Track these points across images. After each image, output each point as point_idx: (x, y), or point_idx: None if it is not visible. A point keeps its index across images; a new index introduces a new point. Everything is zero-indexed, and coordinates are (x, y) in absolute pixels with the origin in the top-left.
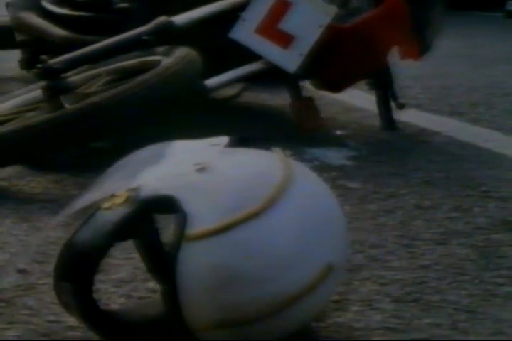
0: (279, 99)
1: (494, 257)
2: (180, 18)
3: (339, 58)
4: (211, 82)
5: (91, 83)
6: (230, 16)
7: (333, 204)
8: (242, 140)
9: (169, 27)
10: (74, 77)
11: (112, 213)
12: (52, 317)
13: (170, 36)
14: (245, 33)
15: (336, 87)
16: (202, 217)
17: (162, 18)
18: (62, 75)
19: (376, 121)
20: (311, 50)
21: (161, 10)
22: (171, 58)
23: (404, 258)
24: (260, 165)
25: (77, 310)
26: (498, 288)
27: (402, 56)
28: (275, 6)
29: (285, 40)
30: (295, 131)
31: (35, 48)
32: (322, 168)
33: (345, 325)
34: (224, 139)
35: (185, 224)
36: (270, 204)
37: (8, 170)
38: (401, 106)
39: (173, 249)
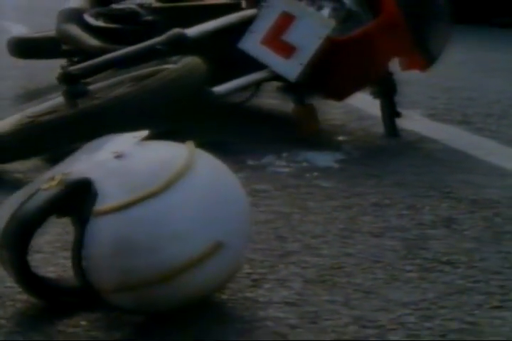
0: (288, 105)
1: (416, 249)
2: (193, 30)
3: (338, 68)
4: (219, 88)
5: (114, 89)
6: (239, 28)
7: (232, 190)
8: (159, 134)
9: (181, 38)
10: (99, 83)
11: (46, 193)
12: (9, 284)
13: (183, 46)
14: (252, 43)
15: (338, 95)
16: (110, 196)
17: (175, 30)
18: (83, 81)
19: (382, 129)
20: (310, 60)
21: (182, 22)
22: (175, 66)
23: (335, 247)
24: (166, 154)
25: (13, 273)
26: (403, 274)
27: (405, 67)
28: (280, 19)
29: (287, 50)
30: (295, 135)
31: (78, 57)
32: (307, 169)
33: (252, 299)
34: (144, 133)
35: (95, 202)
36: (168, 185)
37: (28, 164)
38: (397, 115)
39: (83, 222)
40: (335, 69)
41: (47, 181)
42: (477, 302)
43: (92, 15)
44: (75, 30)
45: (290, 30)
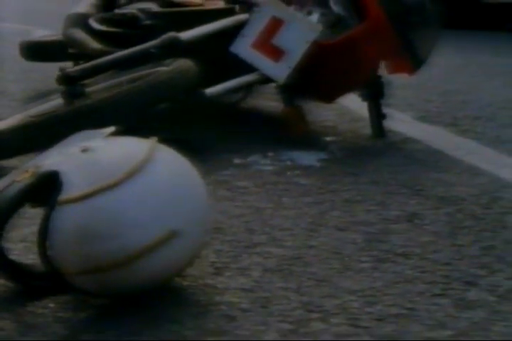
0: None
1: (376, 241)
2: (186, 34)
3: (326, 71)
4: (212, 90)
5: (112, 90)
6: (232, 32)
7: (190, 183)
8: (125, 130)
9: (175, 41)
10: (97, 85)
11: (19, 184)
12: None
13: (177, 49)
14: (243, 47)
15: (326, 97)
16: (74, 187)
17: (169, 34)
18: (81, 82)
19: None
20: (298, 63)
21: (179, 26)
22: (166, 68)
23: (300, 239)
24: (128, 148)
25: None
26: (357, 264)
27: (392, 70)
28: (270, 23)
29: (276, 54)
30: (284, 135)
31: (83, 60)
32: (290, 167)
33: (211, 285)
34: (111, 129)
35: (60, 191)
36: (127, 177)
37: (25, 160)
38: (383, 117)
39: (49, 210)
40: (323, 73)
41: (21, 173)
42: (420, 290)
43: (96, 20)
44: (79, 34)
45: (279, 35)
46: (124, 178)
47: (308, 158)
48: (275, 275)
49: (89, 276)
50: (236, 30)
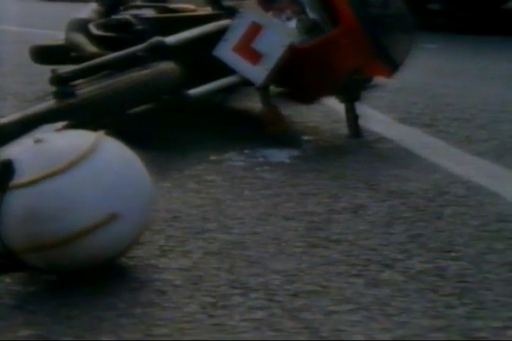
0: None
1: (315, 229)
2: (172, 38)
3: (301, 74)
4: (194, 91)
5: (96, 90)
6: (214, 37)
7: (132, 171)
8: (74, 125)
9: (160, 45)
10: (91, 86)
11: None
12: None
13: (162, 53)
14: (225, 51)
15: (304, 99)
16: (25, 173)
17: (155, 38)
18: (72, 83)
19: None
20: (275, 67)
21: (169, 31)
22: (147, 70)
23: (247, 227)
24: (75, 139)
25: None
26: (291, 249)
27: (369, 73)
28: (250, 28)
29: (255, 57)
30: (262, 134)
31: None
32: (260, 164)
33: (154, 265)
34: (62, 123)
35: (13, 177)
36: (71, 165)
37: None
38: (357, 117)
39: (1, 194)
40: (299, 75)
41: None
42: (339, 271)
43: (95, 25)
44: (78, 38)
45: (258, 39)
46: (69, 165)
47: (280, 156)
48: (213, 257)
49: (36, 254)
50: (219, 34)
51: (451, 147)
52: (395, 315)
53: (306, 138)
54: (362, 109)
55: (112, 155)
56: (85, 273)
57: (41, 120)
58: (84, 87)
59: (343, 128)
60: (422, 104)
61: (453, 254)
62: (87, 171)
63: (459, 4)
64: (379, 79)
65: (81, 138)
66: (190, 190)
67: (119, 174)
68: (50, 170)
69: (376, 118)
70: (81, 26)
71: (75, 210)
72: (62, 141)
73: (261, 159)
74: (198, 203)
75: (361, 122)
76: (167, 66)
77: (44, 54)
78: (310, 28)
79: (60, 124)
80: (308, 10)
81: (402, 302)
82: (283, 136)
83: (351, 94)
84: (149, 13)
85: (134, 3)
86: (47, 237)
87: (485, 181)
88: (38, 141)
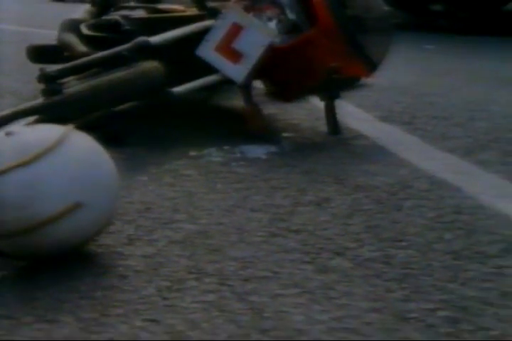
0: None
1: (278, 220)
2: (156, 38)
3: (282, 73)
4: (178, 89)
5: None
6: (198, 37)
7: (97, 163)
8: (44, 119)
9: (145, 45)
10: (76, 85)
11: None
12: None
13: (146, 52)
14: (207, 50)
15: (284, 97)
16: None
17: (140, 38)
18: (59, 81)
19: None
20: (254, 66)
21: (155, 31)
22: (129, 69)
23: (214, 218)
24: (44, 133)
25: None
26: (252, 238)
27: (347, 73)
28: (231, 29)
29: (236, 56)
30: (244, 132)
31: None
32: (237, 159)
33: (120, 252)
34: (33, 118)
35: None
36: (38, 157)
37: None
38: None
39: None
40: (280, 74)
41: None
42: (293, 258)
43: (86, 26)
44: (70, 37)
45: (239, 39)
46: (37, 157)
47: (258, 151)
48: (177, 245)
49: (4, 241)
50: (202, 34)
51: (425, 144)
52: (336, 298)
53: (286, 135)
54: (346, 107)
55: (79, 147)
56: (53, 259)
57: (29, 116)
58: (72, 85)
59: (324, 126)
60: (405, 103)
61: (403, 243)
62: (53, 162)
63: (460, 5)
64: (369, 79)
65: (49, 132)
66: (165, 184)
67: (84, 165)
68: (18, 161)
69: (358, 116)
70: (73, 26)
71: (40, 199)
72: (31, 134)
73: (238, 155)
74: (171, 195)
75: (343, 120)
76: (150, 65)
77: (39, 53)
78: (290, 29)
79: (31, 118)
80: (287, 11)
81: (345, 286)
82: (262, 132)
83: (330, 92)
84: (139, 13)
85: (125, 4)
86: (14, 225)
87: (449, 176)
88: (8, 134)
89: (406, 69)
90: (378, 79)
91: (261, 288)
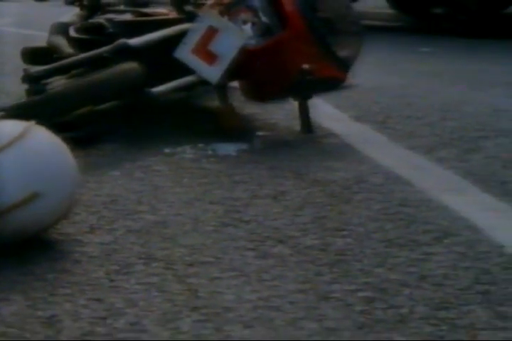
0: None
1: (233, 212)
2: (136, 40)
3: (253, 74)
4: (157, 89)
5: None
6: (176, 39)
7: (58, 156)
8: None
9: (124, 47)
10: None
11: None
12: None
13: (126, 54)
14: (184, 53)
15: (258, 97)
16: None
17: (121, 40)
18: (44, 81)
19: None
20: (228, 67)
21: (136, 34)
22: (107, 70)
23: (174, 210)
24: (7, 128)
25: None
26: (205, 227)
27: (320, 74)
28: (207, 32)
29: (211, 58)
30: (219, 130)
31: None
32: (208, 156)
33: (79, 240)
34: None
35: None
36: (0, 150)
37: None
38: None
39: None
40: (251, 75)
41: None
42: (238, 246)
43: (74, 28)
44: (58, 40)
45: (214, 42)
46: None
47: (229, 149)
48: (134, 234)
49: None
50: (180, 37)
51: (391, 142)
52: (269, 280)
53: (260, 133)
54: (323, 107)
55: (39, 142)
56: (16, 245)
57: (13, 114)
58: (55, 85)
59: (299, 125)
60: (383, 104)
61: (344, 233)
62: (14, 155)
63: (461, 8)
64: (353, 81)
65: (12, 127)
66: (135, 178)
67: (44, 159)
68: None
69: (334, 116)
70: (62, 29)
71: (1, 190)
72: None
73: (210, 152)
74: (138, 189)
75: (318, 120)
76: (128, 65)
77: (33, 55)
78: (264, 31)
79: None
80: (260, 14)
81: (280, 271)
82: (236, 131)
83: (303, 93)
84: (123, 17)
85: (111, 8)
86: None
87: (405, 172)
88: None
89: (394, 71)
90: (363, 81)
91: (202, 271)
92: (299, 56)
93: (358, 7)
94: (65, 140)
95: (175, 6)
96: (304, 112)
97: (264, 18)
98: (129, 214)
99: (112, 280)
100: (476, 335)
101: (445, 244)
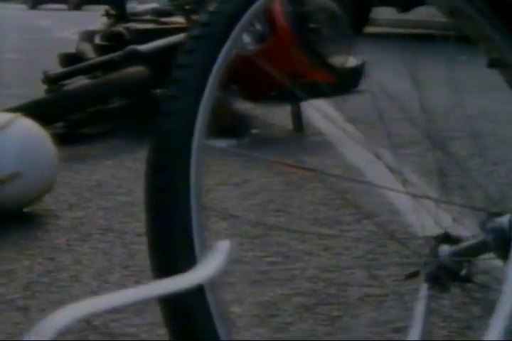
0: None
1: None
2: (144, 47)
3: (246, 78)
4: (160, 91)
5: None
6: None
7: (38, 143)
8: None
9: (134, 52)
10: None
11: None
12: None
13: (136, 59)
14: None
15: (251, 98)
16: None
17: (131, 46)
18: (61, 82)
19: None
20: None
21: (150, 40)
22: (115, 73)
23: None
24: None
25: None
26: None
27: (310, 79)
28: None
29: None
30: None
31: None
32: None
33: (57, 215)
34: None
35: None
36: None
37: None
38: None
39: None
40: (243, 79)
41: None
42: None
43: (99, 36)
44: (84, 46)
45: None
46: None
47: (220, 144)
48: (104, 211)
49: None
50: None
51: (367, 140)
52: None
53: (254, 131)
54: (323, 108)
55: (23, 130)
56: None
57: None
58: (70, 86)
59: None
60: (382, 107)
61: (281, 213)
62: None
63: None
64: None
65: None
66: (124, 167)
67: (25, 144)
68: None
69: (330, 117)
70: (89, 37)
71: None
72: None
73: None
74: (123, 176)
75: (313, 120)
76: (135, 69)
77: (66, 60)
78: (259, 38)
79: None
80: (255, 22)
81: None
82: (229, 128)
83: (295, 96)
84: (142, 25)
85: (135, 17)
86: None
87: (363, 165)
88: None
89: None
90: (371, 86)
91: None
92: (287, 62)
93: (411, 16)
94: (52, 134)
95: (183, 16)
96: (296, 114)
97: (258, 26)
98: (106, 195)
99: (69, 245)
100: None
101: (363, 223)
